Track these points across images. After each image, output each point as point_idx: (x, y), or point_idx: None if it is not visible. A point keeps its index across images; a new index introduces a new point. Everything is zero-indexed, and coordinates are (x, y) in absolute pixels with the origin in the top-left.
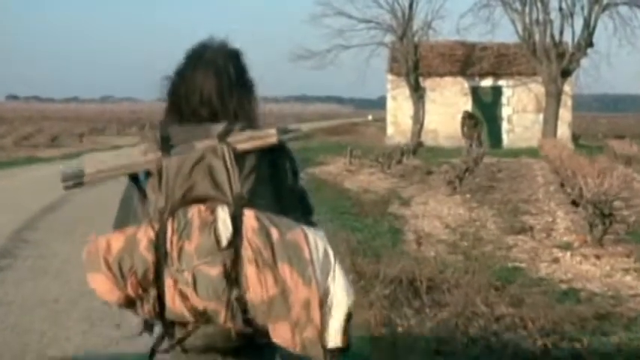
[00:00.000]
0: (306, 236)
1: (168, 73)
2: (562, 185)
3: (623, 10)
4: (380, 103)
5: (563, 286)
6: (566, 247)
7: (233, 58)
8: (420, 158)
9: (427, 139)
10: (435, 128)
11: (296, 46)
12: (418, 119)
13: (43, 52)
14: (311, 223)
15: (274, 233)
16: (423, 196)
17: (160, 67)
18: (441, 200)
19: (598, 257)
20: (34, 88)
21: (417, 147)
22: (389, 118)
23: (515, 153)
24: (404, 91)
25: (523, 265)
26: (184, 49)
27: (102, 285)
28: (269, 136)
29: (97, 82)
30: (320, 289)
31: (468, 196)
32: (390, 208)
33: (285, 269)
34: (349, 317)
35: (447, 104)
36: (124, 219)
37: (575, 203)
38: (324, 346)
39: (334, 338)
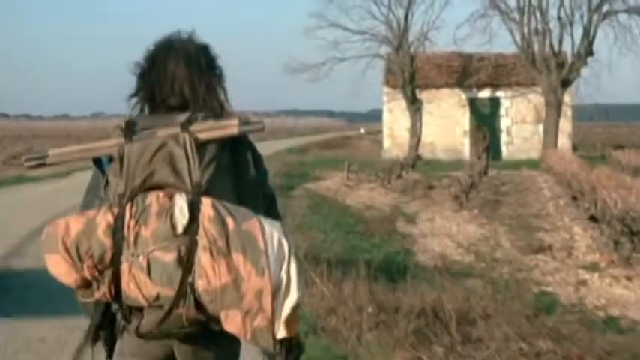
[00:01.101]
0: (261, 227)
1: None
2: (574, 199)
3: (623, 18)
4: (371, 116)
5: (600, 314)
6: (592, 267)
7: (203, 48)
8: (419, 172)
9: (424, 152)
10: (433, 141)
11: (290, 59)
12: (415, 132)
13: (34, 69)
14: (276, 216)
15: (230, 222)
16: (429, 213)
17: None
18: (448, 217)
19: (629, 279)
20: (25, 106)
21: (415, 161)
22: (385, 131)
23: (516, 165)
24: (400, 104)
25: (549, 288)
26: None
27: (59, 266)
28: (230, 127)
29: (87, 98)
30: (273, 279)
31: (475, 211)
32: (386, 223)
33: (239, 258)
34: (296, 308)
35: (445, 116)
36: (89, 202)
37: (593, 219)
38: (274, 336)
39: (281, 328)
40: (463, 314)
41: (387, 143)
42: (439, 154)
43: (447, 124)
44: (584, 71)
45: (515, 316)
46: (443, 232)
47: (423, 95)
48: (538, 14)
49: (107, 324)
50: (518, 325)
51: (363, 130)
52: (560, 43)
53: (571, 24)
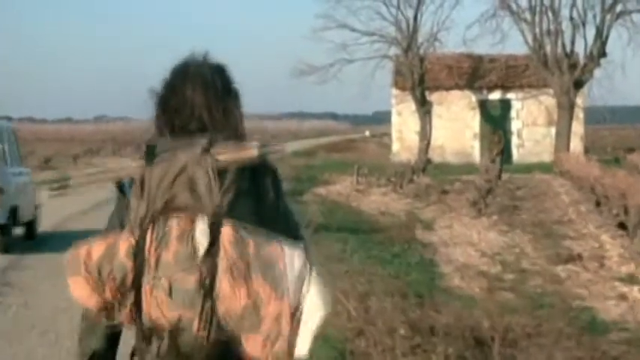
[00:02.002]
0: (282, 250)
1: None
2: (597, 204)
3: (637, 17)
4: (375, 119)
5: None
6: (630, 280)
7: (219, 70)
8: (430, 176)
9: (434, 156)
10: (442, 144)
11: (298, 61)
12: (425, 135)
13: (37, 72)
14: (297, 239)
15: (251, 246)
16: (446, 219)
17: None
18: (466, 223)
19: None
20: (28, 109)
21: (426, 165)
22: (394, 134)
23: (527, 169)
24: (409, 106)
25: (586, 303)
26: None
27: (81, 289)
28: (249, 150)
29: (90, 101)
30: (292, 304)
31: (494, 217)
32: (405, 231)
33: (259, 282)
34: (320, 328)
35: (454, 119)
36: (113, 224)
37: (622, 226)
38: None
39: (300, 347)
40: (502, 334)
41: (395, 146)
42: (449, 158)
43: (456, 126)
44: (597, 72)
45: (560, 335)
46: (464, 241)
47: (433, 97)
48: (550, 14)
49: (106, 353)
50: (564, 346)
51: (368, 133)
52: (573, 43)
53: (584, 24)
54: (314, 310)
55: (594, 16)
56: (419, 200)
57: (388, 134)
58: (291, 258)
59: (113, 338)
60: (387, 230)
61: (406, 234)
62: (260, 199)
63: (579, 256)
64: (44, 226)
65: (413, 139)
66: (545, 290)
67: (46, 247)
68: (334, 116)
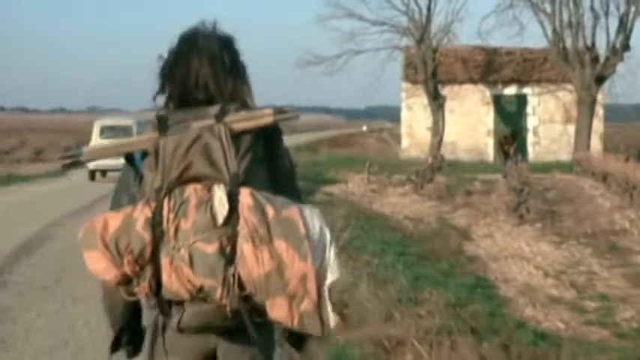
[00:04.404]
0: (301, 213)
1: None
2: None
3: None
4: (369, 113)
5: None
6: None
7: (227, 44)
8: (444, 174)
9: (445, 153)
10: (454, 140)
11: (304, 51)
12: (438, 131)
13: (31, 62)
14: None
15: (270, 211)
16: (482, 226)
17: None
18: (508, 232)
19: None
20: (21, 99)
21: (441, 163)
22: (403, 130)
23: (545, 168)
24: (420, 100)
25: None
26: None
27: (98, 263)
28: (265, 116)
29: (83, 92)
30: (316, 264)
31: (538, 225)
32: (449, 242)
33: (281, 245)
34: (331, 290)
35: (467, 114)
36: (119, 199)
37: None
38: (321, 319)
39: (330, 313)
40: None
41: (405, 142)
42: (461, 155)
43: (469, 122)
44: (620, 67)
45: None
46: (514, 254)
47: (445, 91)
48: (572, 5)
49: (131, 327)
50: None
51: (365, 128)
52: (594, 36)
53: (606, 15)
54: (329, 273)
55: (617, 8)
56: (443, 202)
57: (386, 129)
58: (311, 221)
59: (135, 313)
60: (423, 241)
61: (451, 246)
62: (274, 165)
63: None
64: None
65: (423, 135)
66: None
67: None
68: (327, 110)
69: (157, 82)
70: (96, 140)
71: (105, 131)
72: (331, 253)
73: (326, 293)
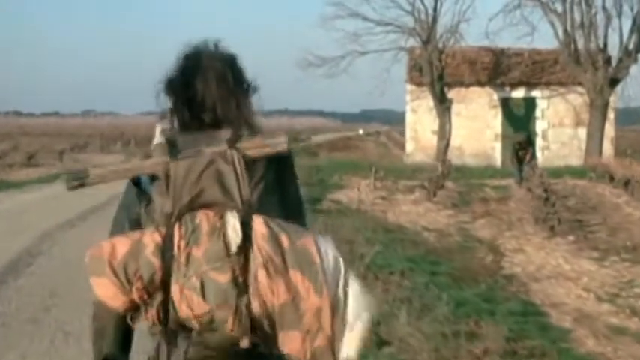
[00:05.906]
0: (316, 243)
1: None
2: None
3: None
4: (364, 117)
5: None
6: None
7: (230, 63)
8: (451, 179)
9: (451, 157)
10: (461, 145)
11: (307, 52)
12: (444, 135)
13: (24, 66)
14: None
15: (284, 240)
16: (509, 239)
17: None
18: (542, 246)
19: None
20: (15, 102)
21: (450, 168)
22: (408, 133)
23: (555, 173)
24: (425, 103)
25: None
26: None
27: (106, 290)
28: (279, 144)
29: (78, 95)
30: (331, 297)
31: (570, 238)
32: (482, 259)
33: (296, 276)
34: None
35: (474, 117)
36: (122, 222)
37: None
38: (334, 356)
39: (349, 348)
40: None
41: (410, 146)
42: (467, 160)
43: (476, 126)
44: (633, 69)
45: None
46: (555, 272)
47: (451, 94)
48: (583, 5)
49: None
50: None
51: (361, 132)
52: (606, 37)
53: (619, 16)
54: (360, 310)
55: (631, 8)
56: (460, 211)
57: (382, 132)
58: (325, 251)
59: (125, 342)
60: (450, 256)
61: (487, 264)
62: (285, 192)
63: None
64: None
65: (429, 139)
66: None
67: None
68: (322, 114)
69: (163, 100)
70: None
71: None
72: (349, 285)
73: (355, 331)
